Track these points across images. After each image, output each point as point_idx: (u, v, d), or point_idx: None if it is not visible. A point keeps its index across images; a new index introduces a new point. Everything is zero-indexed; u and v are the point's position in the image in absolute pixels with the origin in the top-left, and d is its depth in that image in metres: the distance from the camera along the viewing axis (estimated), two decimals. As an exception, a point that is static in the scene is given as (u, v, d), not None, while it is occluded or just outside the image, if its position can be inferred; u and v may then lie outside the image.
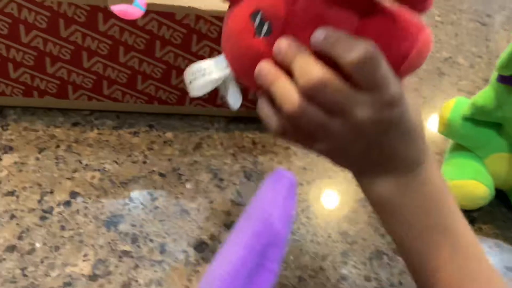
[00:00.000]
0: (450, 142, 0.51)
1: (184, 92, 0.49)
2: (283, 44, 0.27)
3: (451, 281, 0.29)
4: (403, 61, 0.27)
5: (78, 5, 0.39)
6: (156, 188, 0.42)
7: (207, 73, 0.31)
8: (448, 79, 0.69)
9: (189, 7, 0.42)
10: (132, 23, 0.41)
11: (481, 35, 0.81)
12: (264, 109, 0.29)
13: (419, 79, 0.68)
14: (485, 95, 0.43)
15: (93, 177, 0.42)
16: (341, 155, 0.29)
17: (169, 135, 0.48)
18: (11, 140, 0.43)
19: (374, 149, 0.28)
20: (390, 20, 0.27)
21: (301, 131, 0.28)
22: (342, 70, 0.26)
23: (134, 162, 0.44)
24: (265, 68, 0.28)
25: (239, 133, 0.50)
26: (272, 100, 0.28)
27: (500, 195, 0.48)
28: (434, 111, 0.60)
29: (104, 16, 0.40)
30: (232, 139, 0.49)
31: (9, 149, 0.42)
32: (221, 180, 0.44)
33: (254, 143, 0.49)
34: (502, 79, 0.40)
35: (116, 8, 0.40)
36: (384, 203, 0.30)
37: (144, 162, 0.44)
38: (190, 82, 0.30)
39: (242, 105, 0.48)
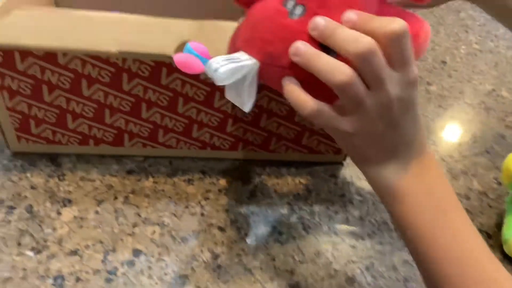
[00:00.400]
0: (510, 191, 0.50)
1: (237, 138, 0.48)
2: (320, 20, 0.28)
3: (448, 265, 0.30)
4: (415, 42, 0.29)
5: (143, 61, 0.39)
6: (216, 244, 0.41)
7: (233, 62, 0.30)
8: (494, 114, 0.67)
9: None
10: (195, 76, 0.41)
11: (521, 63, 0.80)
12: (296, 92, 0.29)
13: (466, 114, 0.67)
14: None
15: (153, 232, 0.41)
16: (361, 137, 0.30)
17: (222, 182, 0.47)
18: (69, 192, 0.43)
19: (392, 130, 0.30)
20: (399, 8, 0.32)
21: (338, 108, 0.29)
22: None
23: (192, 214, 0.43)
24: (303, 45, 0.28)
25: (292, 179, 0.49)
26: (304, 83, 0.29)
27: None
28: (487, 152, 0.58)
29: (167, 71, 0.40)
30: (286, 186, 0.48)
31: (67, 202, 0.42)
32: (280, 233, 0.43)
33: (308, 190, 0.48)
34: None
35: (179, 60, 0.39)
36: (393, 189, 0.31)
37: (202, 214, 0.43)
38: (216, 69, 0.29)
39: (282, 145, 0.48)
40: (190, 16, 0.47)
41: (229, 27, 0.41)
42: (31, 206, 0.41)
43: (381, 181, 0.31)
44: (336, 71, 0.27)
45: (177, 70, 0.40)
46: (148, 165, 0.48)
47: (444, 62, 0.81)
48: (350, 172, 0.52)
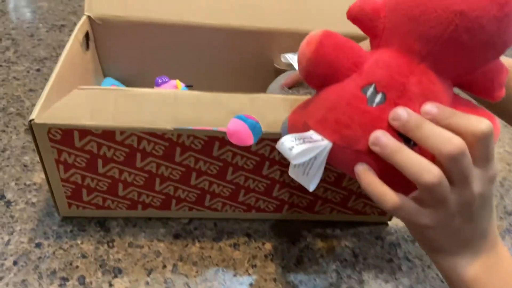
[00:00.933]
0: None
1: (283, 202, 0.48)
2: (402, 112, 0.28)
3: None
4: None
5: (197, 136, 0.39)
6: (267, 317, 0.41)
7: (307, 141, 0.30)
8: (536, 164, 0.66)
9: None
10: (246, 148, 0.41)
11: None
12: (376, 184, 0.29)
13: (507, 164, 0.65)
14: None
15: (203, 305, 0.41)
16: (438, 230, 0.29)
17: (268, 246, 0.47)
18: (119, 260, 0.43)
19: (469, 224, 0.30)
20: (470, 103, 0.32)
21: (417, 200, 0.29)
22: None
23: (240, 284, 0.43)
24: (383, 136, 0.28)
25: (337, 242, 0.49)
26: (379, 170, 0.29)
27: None
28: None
29: (220, 144, 0.40)
30: (332, 251, 0.48)
31: (118, 272, 0.42)
32: (330, 305, 0.43)
33: (354, 254, 0.48)
34: None
35: (232, 129, 0.39)
36: (466, 280, 0.30)
37: (251, 284, 0.43)
38: (291, 148, 0.29)
39: (327, 207, 0.47)
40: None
41: (281, 100, 0.41)
42: (83, 277, 0.41)
43: (454, 271, 0.31)
44: (424, 171, 0.26)
45: (229, 143, 0.41)
46: (194, 228, 0.48)
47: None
48: (396, 233, 0.51)
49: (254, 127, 0.40)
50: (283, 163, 0.43)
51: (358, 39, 0.37)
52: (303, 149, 0.30)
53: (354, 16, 0.32)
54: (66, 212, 0.46)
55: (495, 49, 0.29)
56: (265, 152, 0.42)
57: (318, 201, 0.48)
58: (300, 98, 0.40)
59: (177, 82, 0.47)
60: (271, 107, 0.40)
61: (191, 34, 0.55)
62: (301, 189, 0.46)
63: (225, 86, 0.63)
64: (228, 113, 0.39)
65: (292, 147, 0.30)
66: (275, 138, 0.41)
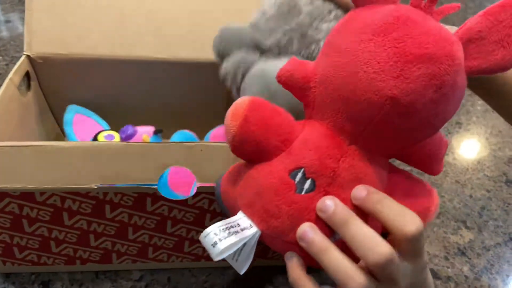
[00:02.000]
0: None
1: (234, 250, 0.45)
2: (329, 203, 0.26)
3: None
4: (425, 217, 0.28)
5: (125, 193, 0.36)
6: None
7: (233, 232, 0.27)
8: (518, 190, 0.62)
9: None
10: (182, 202, 0.38)
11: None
12: (303, 282, 0.26)
13: (487, 191, 0.62)
14: None
15: None
16: None
17: (221, 299, 0.44)
18: (54, 323, 0.40)
19: None
20: (410, 180, 0.29)
21: None
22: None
23: None
24: (310, 231, 0.26)
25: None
26: (310, 258, 0.27)
27: None
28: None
29: (152, 200, 0.37)
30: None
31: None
32: None
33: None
34: None
35: (164, 192, 0.36)
36: None
37: None
38: (214, 244, 0.26)
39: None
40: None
41: (218, 149, 0.38)
42: None
43: None
44: (349, 278, 0.24)
45: (162, 198, 0.38)
46: (145, 285, 0.44)
47: (459, 124, 0.75)
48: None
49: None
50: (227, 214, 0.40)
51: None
52: (228, 244, 0.26)
53: (284, 82, 0.28)
54: (2, 269, 0.43)
55: (433, 127, 0.26)
56: (204, 205, 0.39)
57: (270, 250, 0.45)
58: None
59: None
60: (208, 158, 0.37)
61: (139, 68, 0.52)
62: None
63: (179, 120, 0.60)
64: (159, 166, 0.36)
65: (216, 242, 0.26)
66: (213, 191, 0.38)
